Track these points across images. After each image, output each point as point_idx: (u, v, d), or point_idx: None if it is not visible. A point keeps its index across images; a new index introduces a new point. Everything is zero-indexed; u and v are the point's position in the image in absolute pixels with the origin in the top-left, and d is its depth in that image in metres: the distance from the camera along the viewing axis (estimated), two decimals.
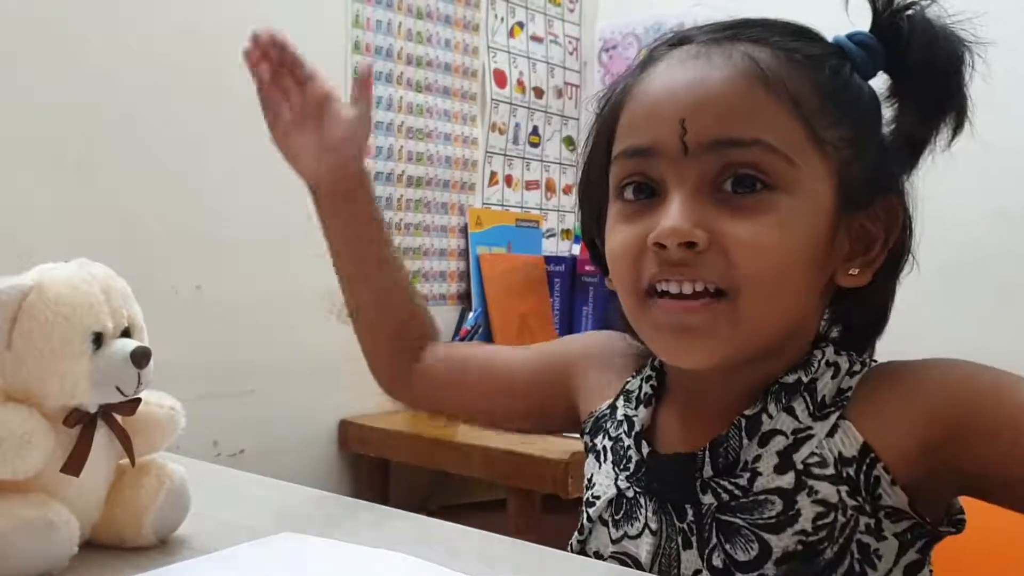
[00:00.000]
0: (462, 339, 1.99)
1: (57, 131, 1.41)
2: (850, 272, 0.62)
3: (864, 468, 0.57)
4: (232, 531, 0.64)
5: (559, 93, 2.35)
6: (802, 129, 0.58)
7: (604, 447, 0.70)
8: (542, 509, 1.57)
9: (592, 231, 0.70)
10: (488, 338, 2.02)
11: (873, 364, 0.64)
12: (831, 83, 0.60)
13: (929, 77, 0.61)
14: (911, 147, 0.62)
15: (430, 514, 0.71)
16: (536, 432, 0.87)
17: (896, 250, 0.62)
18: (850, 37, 0.62)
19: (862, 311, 0.66)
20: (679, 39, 0.63)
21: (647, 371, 0.70)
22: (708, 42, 0.61)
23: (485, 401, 0.85)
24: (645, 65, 0.64)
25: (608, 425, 0.71)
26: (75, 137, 1.43)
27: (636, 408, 0.69)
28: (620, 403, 0.71)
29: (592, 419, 0.74)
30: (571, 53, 2.39)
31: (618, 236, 0.62)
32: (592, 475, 0.71)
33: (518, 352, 0.85)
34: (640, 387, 0.70)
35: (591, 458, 0.72)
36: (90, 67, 1.44)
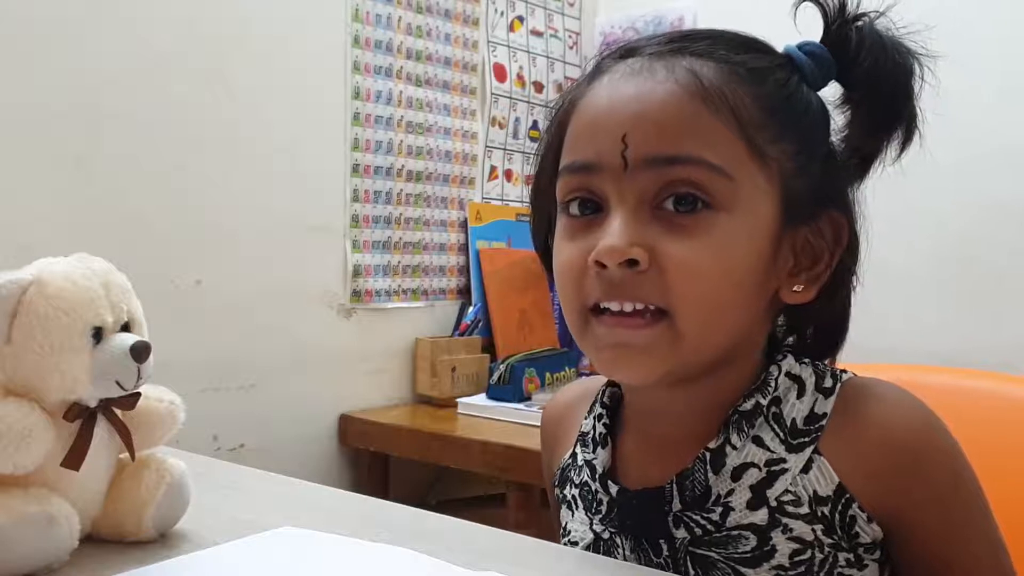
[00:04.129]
0: (462, 333, 2.00)
1: (57, 127, 1.41)
2: (794, 288, 0.61)
3: (840, 508, 0.57)
4: (232, 525, 0.64)
5: (559, 87, 2.35)
6: (743, 144, 0.57)
7: (573, 496, 0.69)
8: (541, 503, 1.57)
9: (543, 241, 0.68)
10: (488, 333, 2.02)
11: (844, 379, 0.62)
12: (775, 96, 0.59)
13: (877, 88, 0.61)
14: (860, 159, 0.62)
15: (430, 508, 0.71)
16: None
17: (842, 265, 0.61)
18: (800, 47, 0.62)
19: (818, 321, 0.65)
20: (626, 51, 0.63)
21: (597, 409, 0.69)
22: (653, 55, 0.60)
23: None
24: (592, 76, 0.63)
25: (572, 474, 0.71)
26: (75, 133, 1.43)
27: (594, 450, 0.68)
28: (579, 449, 0.71)
29: (559, 472, 0.73)
30: (571, 47, 2.39)
31: (563, 254, 0.61)
32: (567, 523, 0.70)
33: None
34: (593, 427, 0.69)
35: (564, 508, 0.71)
36: (90, 64, 1.44)
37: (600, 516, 0.66)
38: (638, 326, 0.57)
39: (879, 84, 0.61)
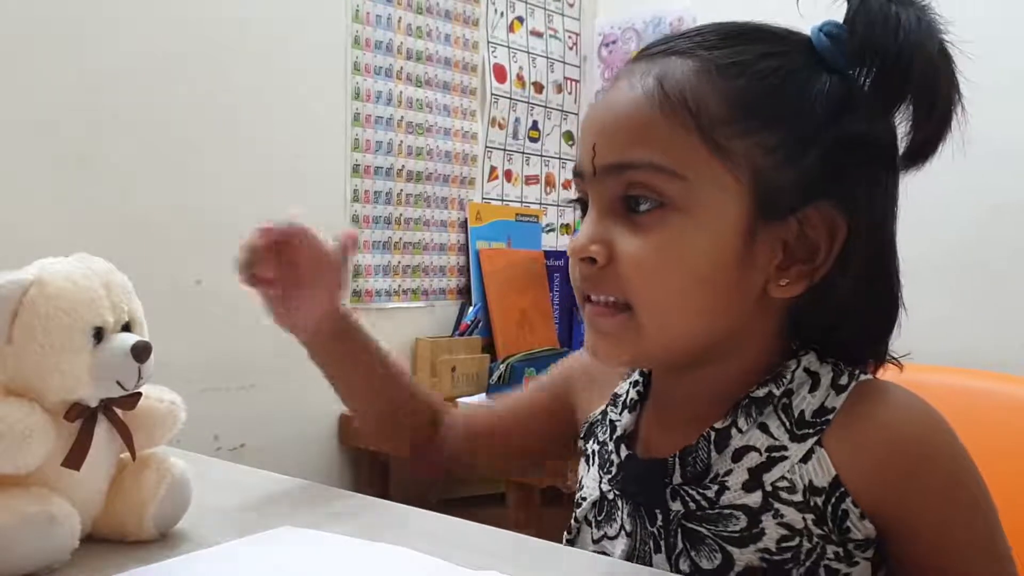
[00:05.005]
0: (462, 333, 2.00)
1: (58, 127, 1.41)
2: (780, 283, 0.60)
3: (833, 501, 0.57)
4: (233, 525, 0.64)
5: (559, 88, 2.35)
6: (702, 143, 0.57)
7: (593, 451, 0.72)
8: (541, 503, 1.57)
9: None
10: (488, 333, 2.02)
11: (860, 379, 0.61)
12: (752, 89, 0.58)
13: (873, 58, 0.59)
14: (911, 144, 0.61)
15: (430, 508, 0.71)
16: (557, 458, 0.89)
17: (848, 257, 0.59)
18: (820, 27, 0.61)
19: (821, 320, 0.63)
20: (637, 54, 0.65)
21: (635, 376, 0.71)
22: (646, 58, 0.62)
23: (510, 455, 0.90)
24: (612, 80, 0.66)
25: (598, 430, 0.73)
26: (76, 133, 1.43)
27: (621, 413, 0.70)
28: (609, 408, 0.73)
29: (587, 424, 0.75)
30: (571, 48, 2.39)
31: None
32: (582, 477, 0.72)
33: (525, 396, 0.87)
34: (627, 392, 0.71)
35: (583, 461, 0.74)
36: (90, 64, 1.44)
37: (610, 477, 0.68)
38: (605, 314, 0.61)
39: (873, 54, 0.59)
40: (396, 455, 0.93)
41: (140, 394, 0.61)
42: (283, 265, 0.78)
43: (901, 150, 0.61)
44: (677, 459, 0.62)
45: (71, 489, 0.58)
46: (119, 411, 0.61)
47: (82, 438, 0.58)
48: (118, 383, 0.58)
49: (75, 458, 0.57)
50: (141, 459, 0.63)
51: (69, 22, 1.41)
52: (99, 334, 0.58)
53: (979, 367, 1.01)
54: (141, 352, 0.58)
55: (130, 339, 0.58)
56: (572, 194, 0.68)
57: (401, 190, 1.95)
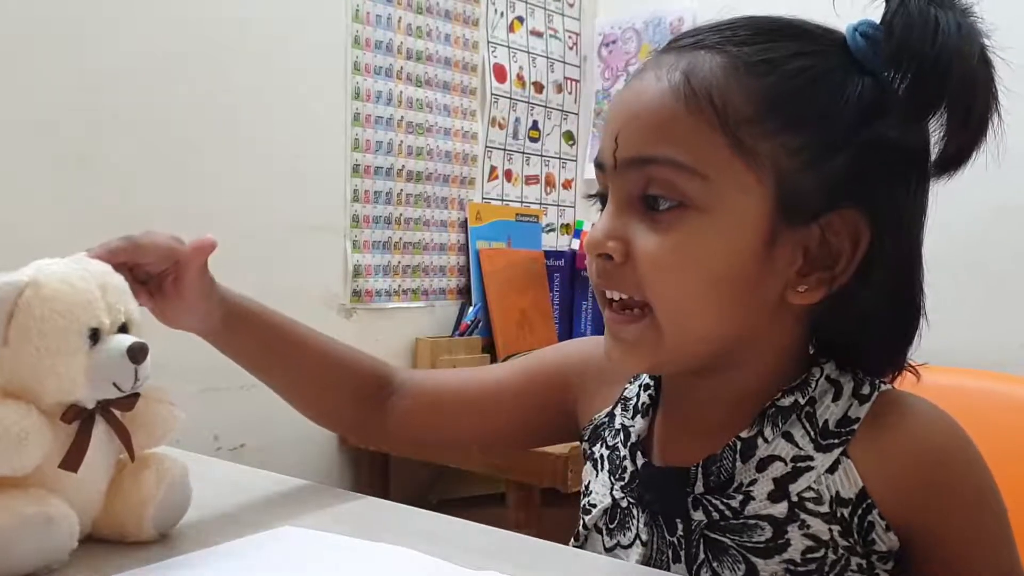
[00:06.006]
0: (462, 334, 2.00)
1: (58, 127, 1.41)
2: (799, 289, 0.58)
3: (859, 512, 0.57)
4: (233, 525, 0.64)
5: (559, 88, 2.35)
6: (725, 142, 0.56)
7: (601, 455, 0.70)
8: (541, 503, 1.57)
9: None
10: (488, 333, 2.02)
11: (882, 389, 0.61)
12: (780, 88, 0.56)
13: (908, 62, 0.56)
14: (945, 153, 0.59)
15: (430, 508, 0.71)
16: (530, 447, 0.86)
17: (865, 269, 0.58)
18: (856, 27, 0.59)
19: (841, 328, 0.61)
20: (666, 44, 0.63)
21: (645, 378, 0.70)
22: (675, 50, 0.60)
23: (471, 426, 0.83)
24: (640, 70, 0.64)
25: (606, 433, 0.71)
26: (76, 133, 1.43)
27: (633, 417, 0.68)
28: (618, 411, 0.71)
29: (591, 426, 0.73)
30: (571, 48, 2.39)
31: None
32: (589, 482, 0.71)
33: (497, 369, 0.85)
34: (638, 395, 0.69)
35: (588, 465, 0.72)
36: (90, 64, 1.44)
37: (623, 483, 0.66)
38: (627, 320, 0.60)
39: (909, 58, 0.57)
40: (345, 434, 0.89)
41: (138, 395, 0.60)
42: (137, 279, 0.73)
43: (933, 158, 0.60)
44: (700, 468, 0.61)
45: (70, 490, 0.57)
46: (117, 412, 0.61)
47: (79, 440, 0.58)
48: (115, 385, 0.58)
49: (73, 460, 0.57)
50: (140, 459, 0.63)
51: (69, 22, 1.41)
52: (95, 336, 0.57)
53: (979, 367, 1.01)
54: (137, 353, 0.58)
55: (126, 340, 0.58)
56: (593, 188, 0.65)
57: (401, 190, 1.95)
